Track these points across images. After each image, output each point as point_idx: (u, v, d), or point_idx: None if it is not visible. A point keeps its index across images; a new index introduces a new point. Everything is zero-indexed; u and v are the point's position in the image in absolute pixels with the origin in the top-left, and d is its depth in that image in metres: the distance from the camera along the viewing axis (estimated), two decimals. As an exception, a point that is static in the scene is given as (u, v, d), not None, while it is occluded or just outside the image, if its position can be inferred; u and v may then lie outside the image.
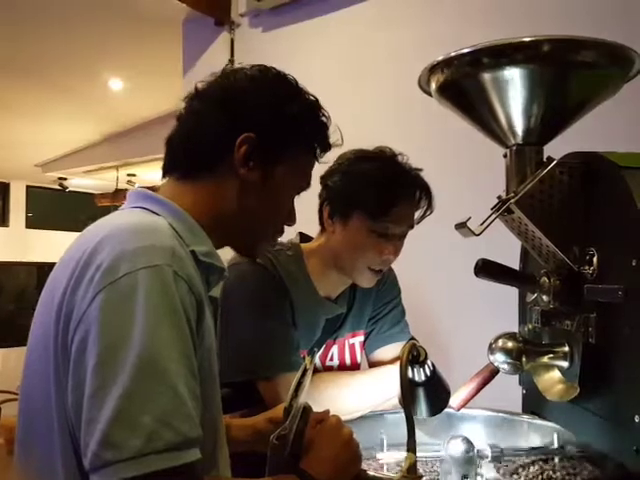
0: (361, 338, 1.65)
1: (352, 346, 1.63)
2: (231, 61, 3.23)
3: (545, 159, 1.14)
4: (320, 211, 1.52)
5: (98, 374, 0.77)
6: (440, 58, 1.10)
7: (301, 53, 3.04)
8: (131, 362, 0.76)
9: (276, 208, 1.06)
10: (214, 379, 0.96)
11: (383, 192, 1.42)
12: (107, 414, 0.74)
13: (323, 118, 1.07)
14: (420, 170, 1.49)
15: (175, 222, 0.93)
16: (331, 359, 1.59)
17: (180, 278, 0.83)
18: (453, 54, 1.08)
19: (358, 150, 1.48)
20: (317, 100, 1.08)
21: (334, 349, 1.60)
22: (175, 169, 1.04)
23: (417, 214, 1.49)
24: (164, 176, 1.06)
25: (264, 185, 1.02)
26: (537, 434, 1.37)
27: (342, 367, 1.61)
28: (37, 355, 0.89)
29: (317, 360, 1.55)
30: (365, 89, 2.79)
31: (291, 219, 1.10)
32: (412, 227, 1.50)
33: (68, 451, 0.83)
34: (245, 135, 0.99)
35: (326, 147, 1.10)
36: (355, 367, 1.64)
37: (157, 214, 0.94)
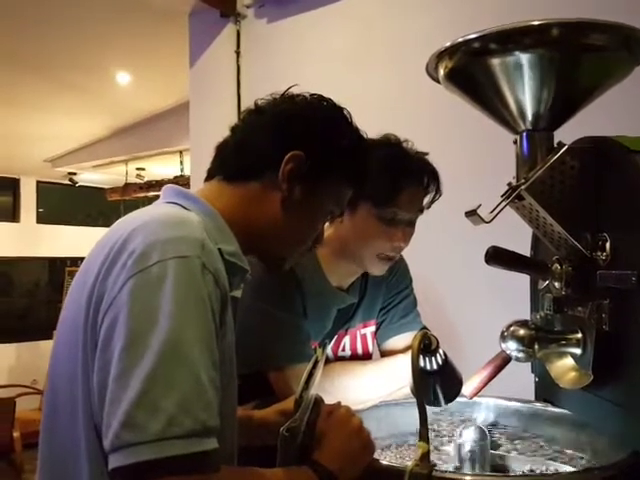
0: (372, 328, 1.65)
1: (364, 336, 1.63)
2: (237, 52, 3.23)
3: (556, 145, 1.13)
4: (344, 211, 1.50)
5: (124, 357, 0.79)
6: (448, 44, 1.09)
7: (307, 43, 3.03)
8: (156, 347, 0.78)
9: (307, 227, 1.11)
10: (233, 375, 0.98)
11: (388, 179, 1.40)
12: (130, 396, 0.76)
13: (366, 154, 1.13)
14: (426, 154, 1.48)
15: (205, 220, 0.96)
16: (343, 349, 1.59)
17: (208, 271, 0.86)
18: (461, 40, 1.07)
19: None
20: (365, 138, 1.14)
21: (346, 339, 1.59)
22: (221, 172, 1.08)
23: (426, 199, 1.47)
24: (208, 179, 1.10)
25: (300, 204, 1.06)
26: (550, 422, 1.36)
27: (354, 357, 1.61)
28: (66, 341, 0.91)
29: (329, 351, 1.55)
30: (370, 78, 2.78)
31: (318, 240, 1.15)
32: (422, 212, 1.48)
33: (91, 435, 0.85)
34: (295, 153, 1.03)
35: (362, 181, 1.15)
36: (367, 357, 1.64)
37: (189, 210, 0.97)
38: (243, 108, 1.15)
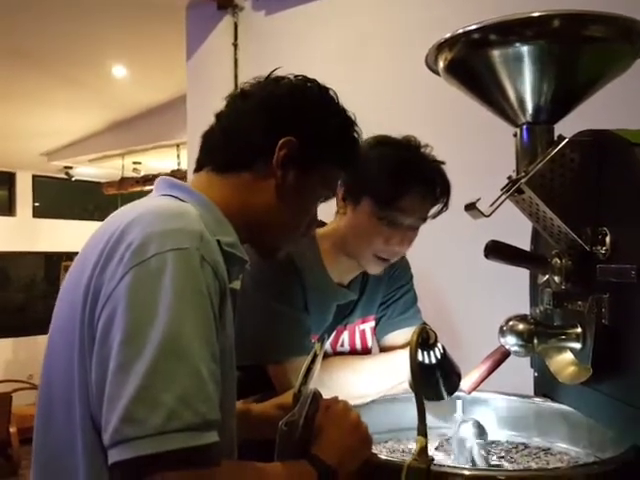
0: (371, 323, 1.64)
1: (363, 332, 1.62)
2: (235, 45, 3.21)
3: (556, 138, 1.13)
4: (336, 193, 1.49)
5: (123, 351, 0.78)
6: (447, 36, 1.08)
7: (304, 35, 3.02)
8: (155, 341, 0.77)
9: (302, 212, 1.10)
10: (232, 367, 0.97)
11: (393, 179, 1.39)
12: (130, 391, 0.76)
13: (356, 135, 1.11)
14: (442, 163, 1.46)
15: (202, 211, 0.95)
16: (342, 345, 1.58)
17: (207, 263, 0.85)
18: (461, 31, 1.06)
19: (381, 135, 1.45)
20: (354, 117, 1.12)
21: (345, 335, 1.59)
22: (211, 162, 1.07)
23: (433, 210, 1.45)
24: (197, 170, 1.09)
25: (295, 189, 1.05)
26: (549, 418, 1.36)
27: (353, 353, 1.60)
28: (62, 334, 0.91)
29: (328, 346, 1.55)
30: (367, 72, 2.76)
31: (312, 224, 1.15)
32: (424, 220, 1.45)
33: (88, 428, 0.84)
34: (288, 139, 1.02)
35: (354, 162, 1.13)
36: (366, 353, 1.63)
37: (185, 202, 0.96)
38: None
